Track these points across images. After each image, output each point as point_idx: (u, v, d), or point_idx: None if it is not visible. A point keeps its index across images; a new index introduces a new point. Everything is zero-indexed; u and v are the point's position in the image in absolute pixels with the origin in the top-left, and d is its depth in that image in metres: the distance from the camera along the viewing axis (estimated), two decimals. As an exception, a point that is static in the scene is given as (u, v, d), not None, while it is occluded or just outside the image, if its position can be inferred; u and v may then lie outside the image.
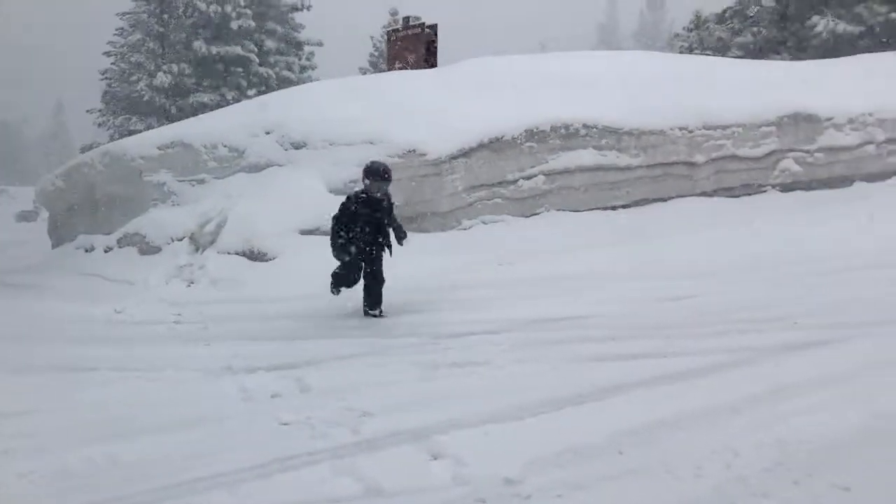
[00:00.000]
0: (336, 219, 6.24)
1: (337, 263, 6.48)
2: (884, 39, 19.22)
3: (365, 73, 26.84)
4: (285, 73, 27.97)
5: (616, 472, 3.20)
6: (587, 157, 10.50)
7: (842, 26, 19.49)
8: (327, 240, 8.73)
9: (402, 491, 3.12)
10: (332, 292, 6.55)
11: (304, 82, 24.66)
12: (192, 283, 8.45)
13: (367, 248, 6.27)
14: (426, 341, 5.27)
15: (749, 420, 3.65)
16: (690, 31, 22.60)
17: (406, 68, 13.18)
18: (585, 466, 3.23)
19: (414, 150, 9.30)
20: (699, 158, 11.32)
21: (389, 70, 13.95)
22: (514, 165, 10.02)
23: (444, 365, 4.71)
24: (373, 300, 6.33)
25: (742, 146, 11.70)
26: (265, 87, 26.06)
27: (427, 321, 5.75)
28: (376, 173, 6.20)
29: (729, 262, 7.71)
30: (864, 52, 17.66)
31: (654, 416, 3.71)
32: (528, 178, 10.09)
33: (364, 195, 6.22)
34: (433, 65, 13.27)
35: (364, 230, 6.22)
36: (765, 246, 8.35)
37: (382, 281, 6.35)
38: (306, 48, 29.53)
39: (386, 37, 15.05)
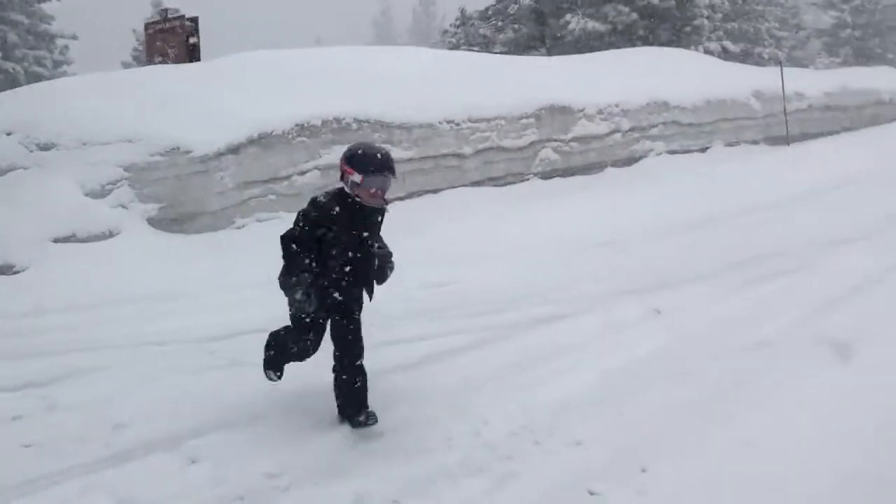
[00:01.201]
0: (291, 237, 3.53)
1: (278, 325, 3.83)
2: (627, 36, 21.19)
3: (129, 68, 25.18)
4: (36, 68, 25.56)
5: (376, 453, 3.32)
6: (360, 151, 10.63)
7: (591, 24, 21.22)
8: (85, 247, 8.25)
9: (158, 500, 3.03)
10: (269, 377, 3.86)
11: (58, 78, 22.70)
12: (-75, 303, 7.53)
13: (343, 295, 3.64)
14: (189, 345, 5.10)
15: (499, 389, 3.93)
16: (457, 27, 23.58)
17: (167, 62, 12.57)
18: (345, 452, 3.32)
19: (178, 148, 8.89)
20: (467, 150, 11.84)
21: (149, 65, 13.22)
22: (286, 161, 9.90)
23: (207, 368, 4.60)
24: (357, 394, 3.63)
25: (505, 138, 12.39)
26: (13, 83, 23.66)
27: (192, 325, 5.55)
28: (377, 162, 3.53)
29: (493, 247, 8.16)
30: (610, 47, 19.39)
31: (414, 396, 3.88)
32: (302, 173, 10.03)
33: (349, 199, 3.55)
34: (196, 59, 12.76)
35: (343, 260, 3.57)
36: (525, 230, 8.94)
37: (361, 351, 3.73)
38: (59, 41, 27.19)
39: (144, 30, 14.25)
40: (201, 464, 3.27)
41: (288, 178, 9.92)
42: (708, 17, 21.83)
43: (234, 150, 9.33)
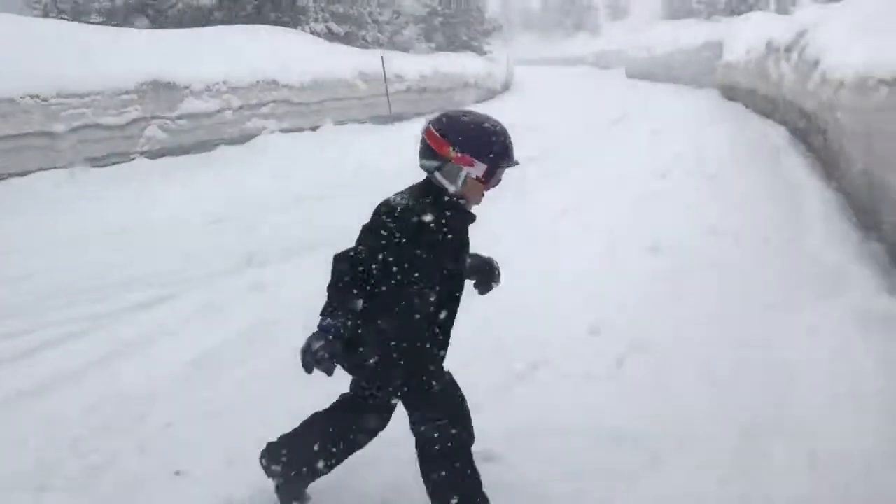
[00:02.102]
0: (348, 259, 2.24)
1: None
2: (234, 13, 20.92)
3: None
4: None
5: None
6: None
7: (197, -1, 20.53)
8: None
9: None
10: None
11: None
12: None
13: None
14: None
15: (85, 384, 3.77)
16: (45, -8, 21.14)
17: None
18: None
19: None
20: (59, 128, 10.81)
21: None
22: None
23: None
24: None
25: (104, 114, 11.56)
26: None
27: None
28: (508, 146, 2.27)
29: (94, 231, 7.63)
30: (217, 24, 18.99)
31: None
32: None
33: (453, 203, 2.29)
34: None
35: (451, 301, 2.40)
36: (130, 212, 8.51)
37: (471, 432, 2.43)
38: None
39: None
40: None
41: None
42: (313, -1, 22.46)
43: None
